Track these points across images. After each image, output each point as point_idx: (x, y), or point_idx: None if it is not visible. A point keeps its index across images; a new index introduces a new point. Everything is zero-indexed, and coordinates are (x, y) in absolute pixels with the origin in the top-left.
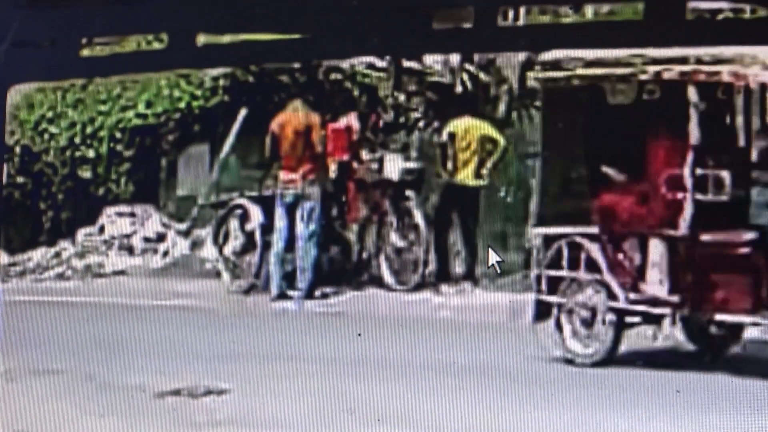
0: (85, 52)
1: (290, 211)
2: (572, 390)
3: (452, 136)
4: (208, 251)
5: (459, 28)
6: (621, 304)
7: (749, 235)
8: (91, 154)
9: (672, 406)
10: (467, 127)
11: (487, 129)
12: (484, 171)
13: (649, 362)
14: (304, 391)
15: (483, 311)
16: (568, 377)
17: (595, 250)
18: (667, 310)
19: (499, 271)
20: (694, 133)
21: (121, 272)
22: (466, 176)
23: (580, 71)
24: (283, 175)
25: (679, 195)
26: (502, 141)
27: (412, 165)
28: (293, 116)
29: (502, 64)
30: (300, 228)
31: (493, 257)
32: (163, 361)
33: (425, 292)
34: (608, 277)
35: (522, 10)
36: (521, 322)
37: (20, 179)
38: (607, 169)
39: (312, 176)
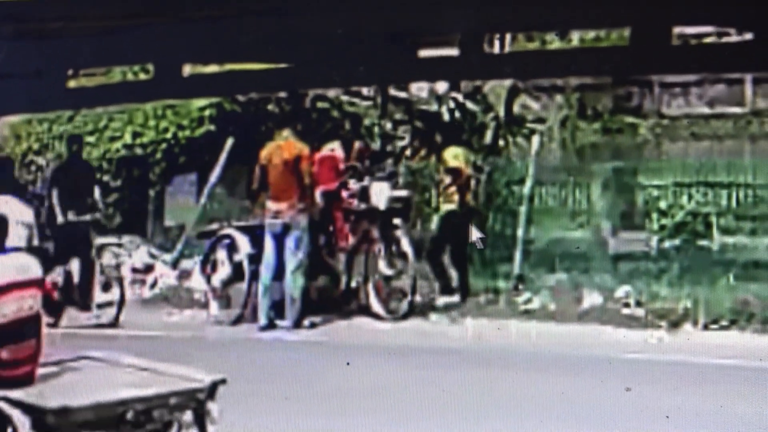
0: (72, 84)
1: (278, 240)
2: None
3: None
4: (196, 281)
5: (445, 56)
6: None
7: None
8: None
9: None
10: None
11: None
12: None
13: None
14: (295, 425)
15: (472, 339)
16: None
17: None
18: None
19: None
20: None
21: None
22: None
23: None
24: (271, 205)
25: None
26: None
27: (399, 193)
28: (282, 146)
29: (489, 91)
30: (288, 257)
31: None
32: None
33: (414, 320)
34: None
35: (508, 38)
36: (508, 349)
37: None
38: None
39: (300, 206)
